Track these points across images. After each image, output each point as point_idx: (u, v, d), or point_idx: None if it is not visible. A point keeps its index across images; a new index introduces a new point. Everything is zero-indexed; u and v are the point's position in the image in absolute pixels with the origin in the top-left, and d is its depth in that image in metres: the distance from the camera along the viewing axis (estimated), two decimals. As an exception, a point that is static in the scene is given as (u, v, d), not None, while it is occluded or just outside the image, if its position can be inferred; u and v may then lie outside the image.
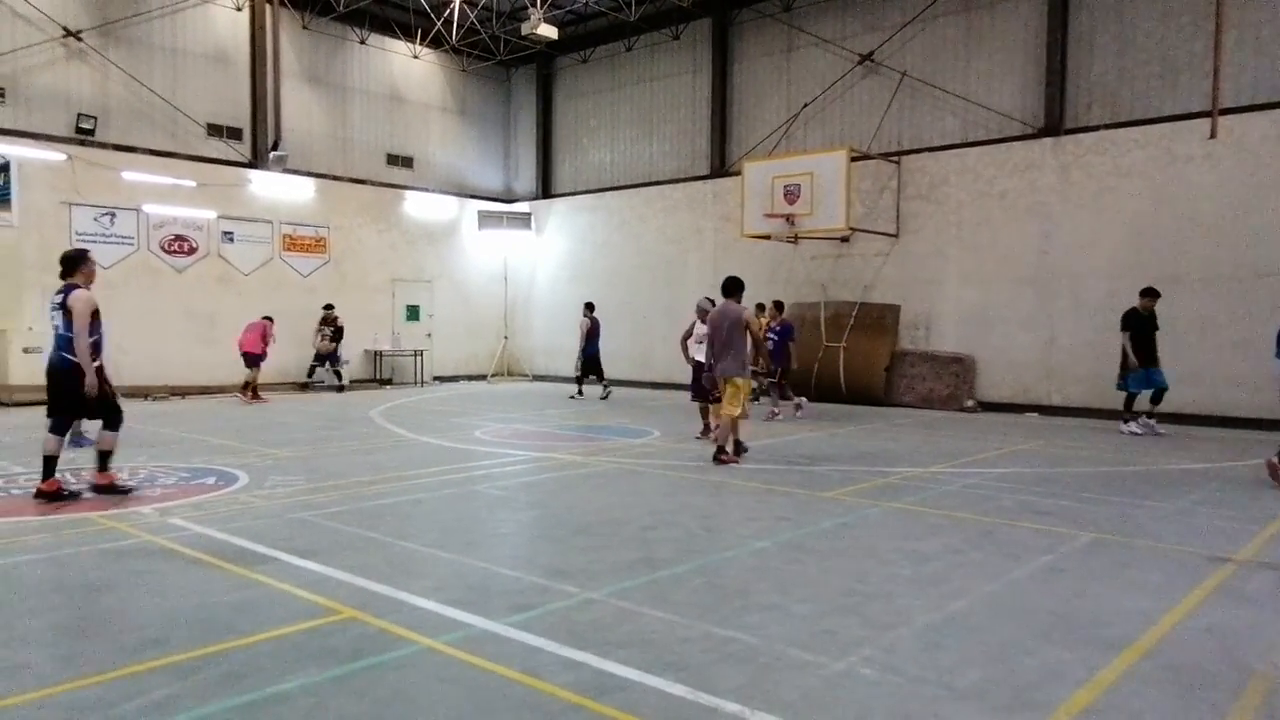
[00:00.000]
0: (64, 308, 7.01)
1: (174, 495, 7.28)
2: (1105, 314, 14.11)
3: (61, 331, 7.05)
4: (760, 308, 14.43)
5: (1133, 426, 11.96)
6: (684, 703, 3.36)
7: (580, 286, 21.20)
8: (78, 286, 7.15)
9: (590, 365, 17.23)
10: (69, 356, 6.99)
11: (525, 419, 13.56)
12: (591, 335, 17.26)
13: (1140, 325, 11.92)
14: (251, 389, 16.00)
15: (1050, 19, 14.76)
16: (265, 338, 16.00)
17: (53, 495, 6.97)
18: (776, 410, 13.72)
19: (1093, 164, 14.28)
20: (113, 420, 7.30)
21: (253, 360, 15.91)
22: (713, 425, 10.51)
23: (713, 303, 10.31)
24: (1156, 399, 11.96)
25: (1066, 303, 14.53)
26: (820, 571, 5.21)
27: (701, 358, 10.58)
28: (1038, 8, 14.97)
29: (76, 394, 7.01)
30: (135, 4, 16.76)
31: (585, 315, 17.47)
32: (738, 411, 9.14)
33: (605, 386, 17.31)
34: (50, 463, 7.03)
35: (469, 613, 4.35)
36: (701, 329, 10.63)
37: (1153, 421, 12.03)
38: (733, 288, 9.54)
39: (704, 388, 10.52)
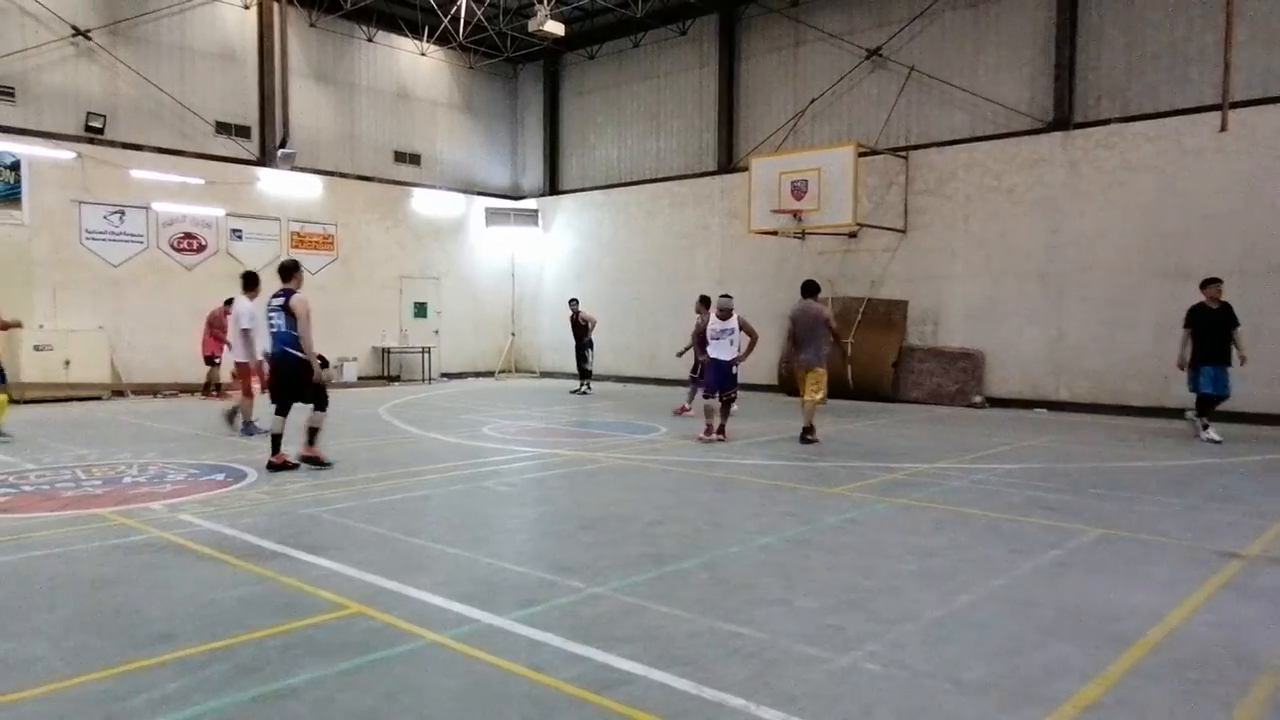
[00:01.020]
0: (286, 309, 8.17)
1: (183, 491, 7.32)
2: (1114, 309, 14.07)
3: (283, 330, 8.21)
4: (704, 301, 14.36)
5: (1211, 433, 10.65)
6: (689, 697, 3.37)
7: (588, 283, 21.22)
8: (294, 292, 8.29)
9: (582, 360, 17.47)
10: (291, 351, 8.21)
11: (533, 415, 13.58)
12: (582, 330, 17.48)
13: (1204, 321, 10.71)
14: (215, 386, 15.72)
15: (1059, 12, 14.68)
16: (216, 329, 15.30)
17: (280, 466, 8.28)
18: (688, 407, 13.53)
19: (1102, 158, 14.21)
20: (321, 403, 8.51)
21: (210, 360, 15.63)
22: (713, 426, 10.53)
23: (729, 298, 10.60)
24: (1210, 405, 10.84)
25: (1075, 298, 14.47)
26: (826, 567, 5.21)
27: (722, 355, 10.49)
28: (1046, 1, 14.90)
29: (296, 382, 8.29)
30: (144, 3, 16.83)
31: (576, 311, 17.64)
32: (819, 397, 10.46)
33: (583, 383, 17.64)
34: (277, 440, 8.37)
35: (475, 608, 4.37)
36: (718, 325, 10.52)
37: (1202, 421, 10.85)
38: (813, 289, 10.85)
39: (722, 385, 10.49)
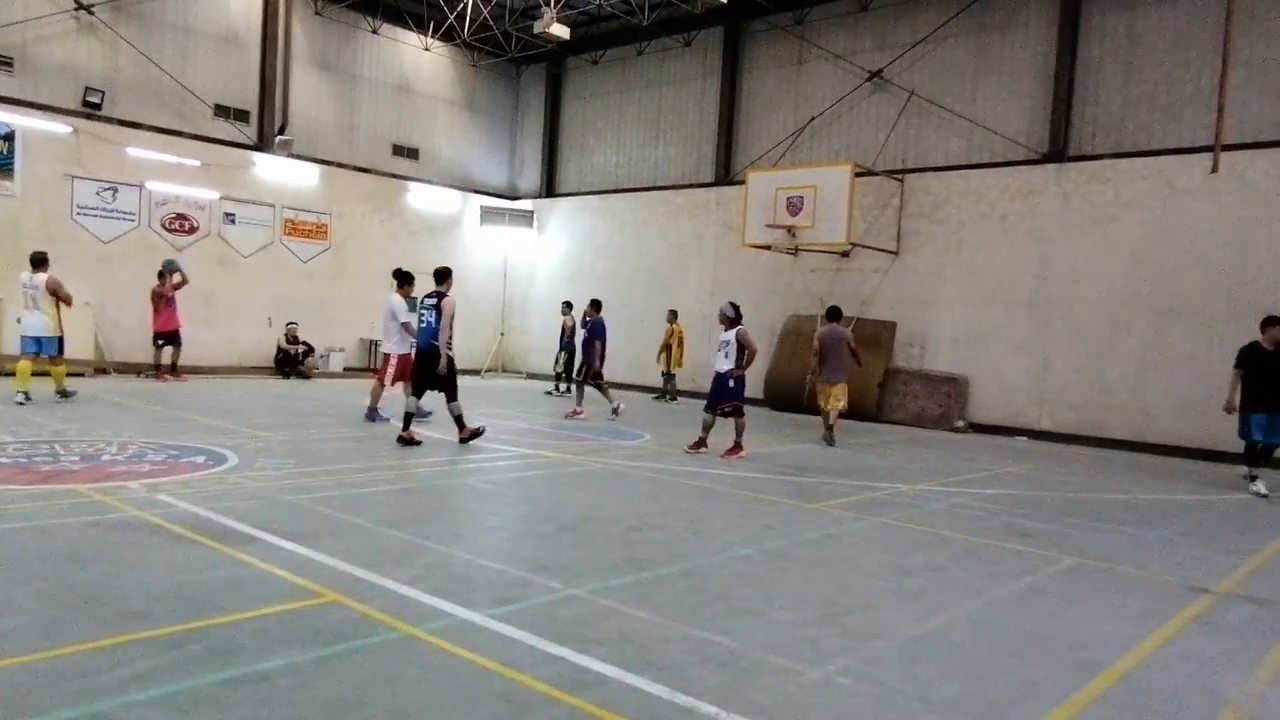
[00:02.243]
0: (437, 309, 9.54)
1: (162, 472, 7.28)
2: (1100, 342, 14.21)
3: (433, 325, 9.54)
4: (568, 305, 14.43)
5: (1259, 486, 9.77)
6: (661, 702, 3.38)
7: (580, 286, 21.20)
8: (445, 294, 9.67)
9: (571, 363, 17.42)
10: (435, 344, 9.50)
11: (518, 416, 13.57)
12: (574, 334, 17.38)
13: (1260, 363, 9.76)
14: (173, 366, 15.48)
15: (1060, 46, 14.86)
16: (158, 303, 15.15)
17: (409, 441, 9.47)
18: (580, 410, 13.58)
19: (1094, 192, 14.36)
20: (453, 393, 9.75)
21: (175, 338, 15.37)
22: (704, 440, 10.36)
23: (735, 307, 10.26)
24: (1260, 454, 10.05)
25: (1062, 329, 14.60)
26: (803, 581, 5.24)
27: (719, 367, 10.21)
28: (1048, 34, 15.07)
29: (435, 372, 9.50)
30: (149, -19, 16.77)
31: (569, 315, 17.64)
32: (842, 405, 12.15)
33: (558, 385, 17.66)
34: (409, 418, 9.69)
35: (452, 603, 4.37)
36: (725, 335, 10.17)
37: (1250, 472, 10.04)
38: (837, 314, 12.60)
39: (717, 398, 10.14)
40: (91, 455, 7.83)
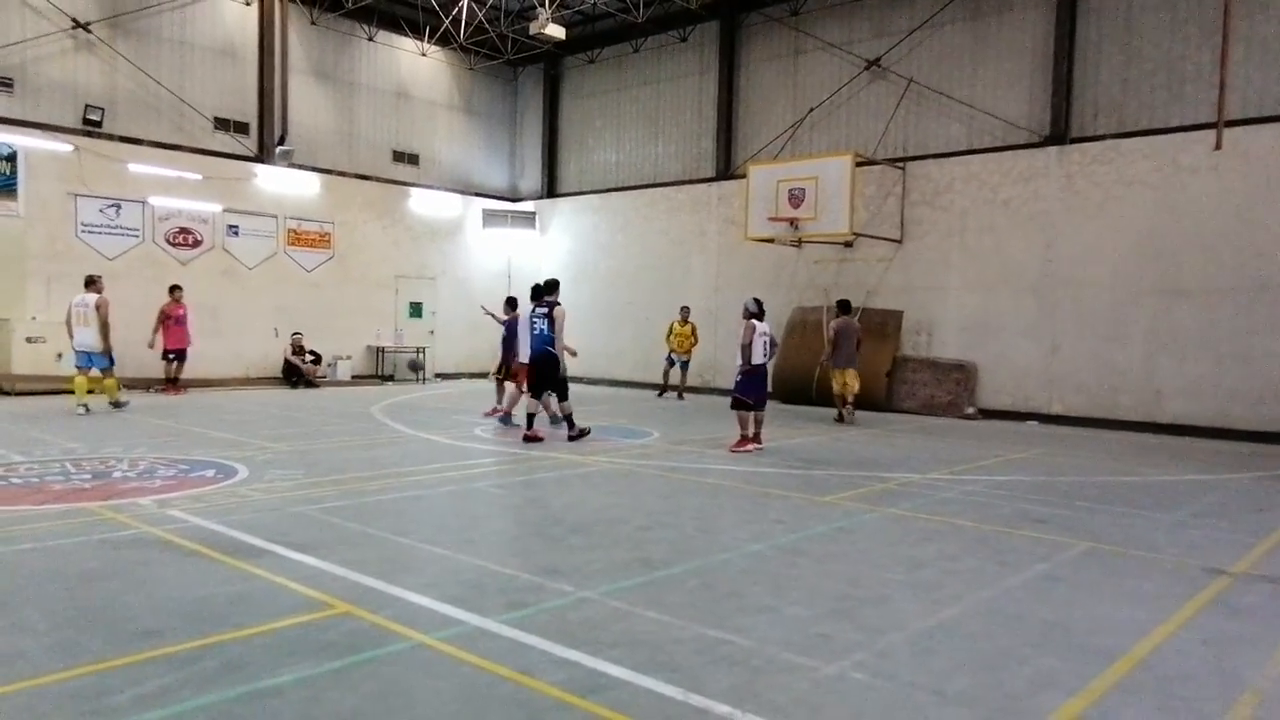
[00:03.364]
0: (549, 317, 10.54)
1: (173, 487, 7.30)
2: (1108, 324, 14.13)
3: (546, 332, 10.53)
4: (511, 303, 14.42)
5: None
6: (675, 703, 3.37)
7: (584, 286, 21.22)
8: (556, 304, 10.66)
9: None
10: (551, 350, 10.50)
11: (524, 418, 13.53)
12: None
13: None
14: (174, 380, 15.73)
15: (1058, 28, 14.76)
16: (168, 321, 15.46)
17: (533, 439, 10.43)
18: (500, 408, 13.27)
19: (1097, 173, 14.28)
20: (564, 393, 10.79)
21: (183, 354, 15.69)
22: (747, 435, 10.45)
23: (758, 303, 10.57)
24: None
25: (1069, 312, 14.53)
26: (815, 575, 5.22)
27: (768, 358, 10.52)
28: (1045, 17, 14.98)
29: (551, 375, 10.53)
30: (145, -3, 16.82)
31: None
32: (857, 387, 13.77)
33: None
34: (531, 418, 10.65)
35: (463, 610, 4.37)
36: (762, 327, 10.36)
37: None
38: (848, 307, 14.37)
39: (759, 396, 10.37)
40: (103, 473, 7.86)
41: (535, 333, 10.66)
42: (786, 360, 17.11)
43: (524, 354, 11.66)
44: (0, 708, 3.21)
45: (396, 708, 3.29)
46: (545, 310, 10.60)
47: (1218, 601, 4.90)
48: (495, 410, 13.32)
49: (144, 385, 16.09)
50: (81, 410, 12.09)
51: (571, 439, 10.63)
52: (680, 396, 17.37)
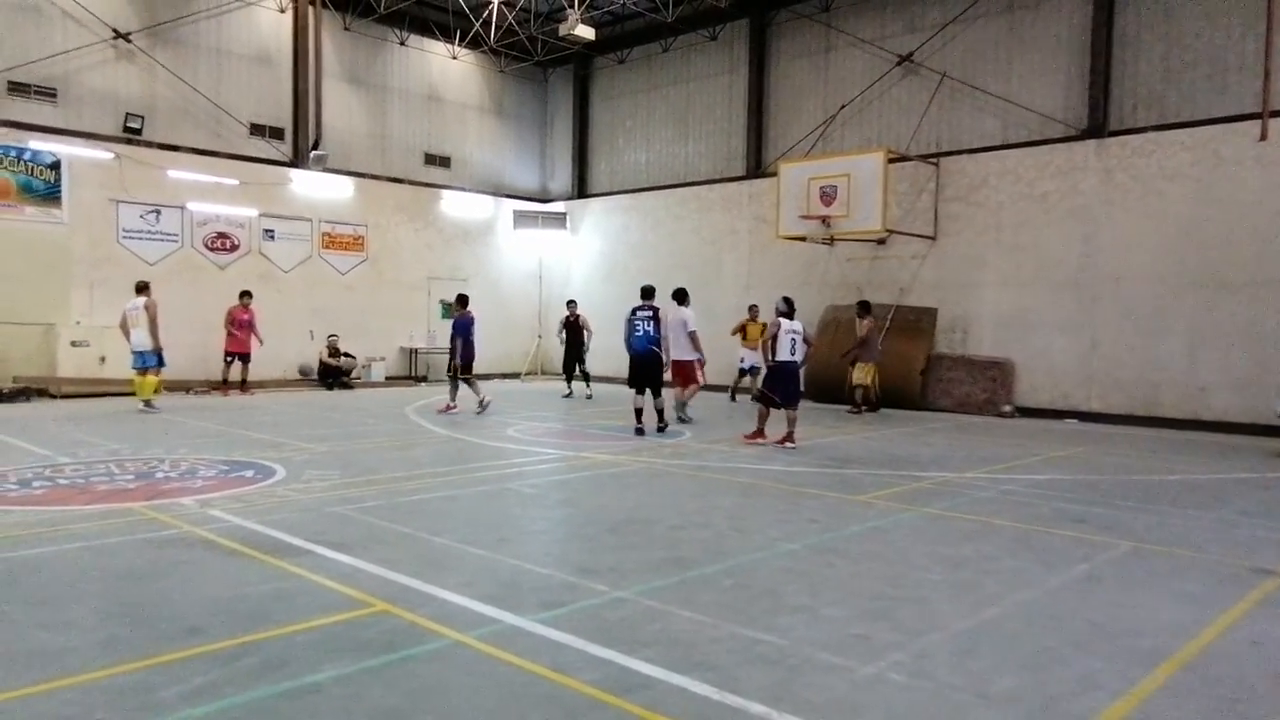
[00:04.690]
0: (655, 319, 11.46)
1: (214, 487, 7.42)
2: (1149, 319, 13.86)
3: (651, 333, 11.42)
4: (462, 300, 14.56)
5: None
6: (710, 703, 3.36)
7: (615, 287, 21.24)
8: (658, 308, 11.55)
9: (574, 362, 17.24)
10: (656, 350, 11.48)
11: (558, 418, 13.62)
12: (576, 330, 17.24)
13: None
14: (242, 382, 16.29)
15: (1095, 19, 14.51)
16: (233, 327, 16.14)
17: (640, 430, 11.29)
18: (454, 404, 13.61)
19: (1137, 166, 14.01)
20: (658, 391, 11.56)
21: (246, 358, 16.23)
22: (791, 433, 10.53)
23: (787, 301, 10.84)
24: None
25: (1109, 307, 14.27)
26: (851, 575, 5.17)
27: (795, 356, 10.53)
28: (1082, 7, 14.73)
29: (655, 373, 11.47)
30: (182, 6, 17.12)
31: (573, 313, 17.36)
32: (870, 380, 14.81)
33: (570, 386, 17.32)
34: (639, 412, 11.49)
35: (499, 609, 4.39)
36: (789, 325, 10.44)
37: None
38: (870, 308, 15.32)
39: (785, 392, 10.44)
40: (146, 473, 8.01)
41: (639, 334, 11.45)
42: (820, 359, 16.95)
43: (676, 353, 12.30)
44: (50, 703, 3.28)
45: (435, 705, 3.31)
46: (649, 313, 11.47)
47: (1266, 602, 4.79)
48: (449, 407, 13.59)
49: (184, 388, 16.39)
50: (142, 407, 12.90)
51: (661, 430, 11.48)
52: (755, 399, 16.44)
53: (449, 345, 14.07)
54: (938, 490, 7.94)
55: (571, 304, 17.82)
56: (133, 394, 13.40)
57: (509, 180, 23.11)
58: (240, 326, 16.08)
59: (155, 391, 13.25)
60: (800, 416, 10.77)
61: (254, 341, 16.29)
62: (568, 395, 17.07)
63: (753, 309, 16.56)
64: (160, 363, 13.20)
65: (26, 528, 5.93)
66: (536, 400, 16.67)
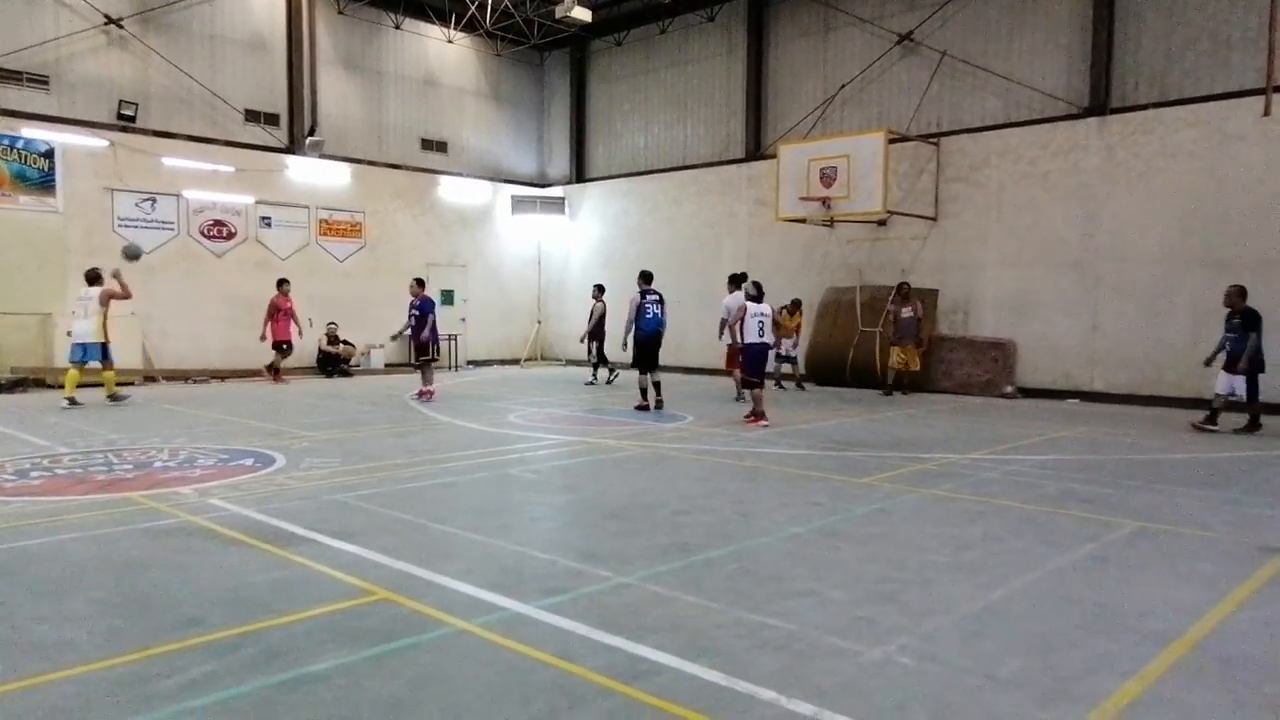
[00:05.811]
0: (661, 302, 12.28)
1: (213, 476, 7.38)
2: (1152, 298, 13.78)
3: (659, 316, 12.22)
4: (599, 289, 15.05)
5: None
6: (718, 688, 3.32)
7: (614, 271, 21.13)
8: (660, 292, 12.32)
9: (601, 349, 17.05)
10: (662, 331, 12.28)
11: (558, 403, 13.57)
12: (602, 319, 16.96)
13: None
14: (275, 369, 16.52)
15: (1096, -5, 14.36)
16: (277, 315, 16.33)
17: (643, 408, 12.08)
18: (429, 390, 13.57)
19: (1140, 144, 13.89)
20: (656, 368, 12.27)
21: (279, 345, 16.36)
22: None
23: (758, 286, 11.17)
24: None
25: (1111, 287, 14.19)
26: (857, 558, 5.13)
27: (766, 338, 11.05)
28: (1084, -17, 14.56)
29: (657, 354, 12.28)
30: (174, -9, 16.95)
31: (598, 299, 17.16)
32: (894, 363, 14.91)
33: (612, 370, 17.07)
34: (645, 391, 12.20)
35: (502, 595, 4.35)
36: (756, 308, 10.93)
37: None
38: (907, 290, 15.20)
39: (759, 371, 11.05)
40: (144, 463, 7.97)
41: (649, 316, 12.12)
42: (820, 341, 16.93)
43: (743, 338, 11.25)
44: (50, 694, 3.24)
45: (438, 693, 3.27)
46: (657, 298, 12.27)
47: (1276, 581, 4.75)
48: (424, 392, 13.50)
49: (183, 377, 16.33)
50: (65, 404, 11.80)
51: (639, 409, 12.01)
52: (800, 386, 16.10)
53: (416, 329, 13.65)
54: (942, 472, 7.90)
55: (599, 289, 17.39)
56: (95, 385, 12.56)
57: (507, 165, 22.97)
58: (283, 315, 16.22)
59: (116, 385, 12.61)
60: (818, 400, 11.09)
61: (293, 329, 16.43)
62: (594, 382, 16.83)
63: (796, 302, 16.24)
64: (105, 355, 12.30)
65: (24, 518, 5.89)
66: (537, 386, 16.62)
